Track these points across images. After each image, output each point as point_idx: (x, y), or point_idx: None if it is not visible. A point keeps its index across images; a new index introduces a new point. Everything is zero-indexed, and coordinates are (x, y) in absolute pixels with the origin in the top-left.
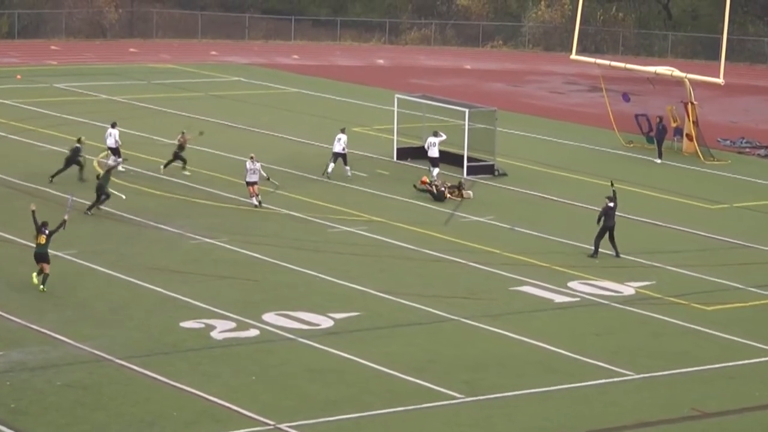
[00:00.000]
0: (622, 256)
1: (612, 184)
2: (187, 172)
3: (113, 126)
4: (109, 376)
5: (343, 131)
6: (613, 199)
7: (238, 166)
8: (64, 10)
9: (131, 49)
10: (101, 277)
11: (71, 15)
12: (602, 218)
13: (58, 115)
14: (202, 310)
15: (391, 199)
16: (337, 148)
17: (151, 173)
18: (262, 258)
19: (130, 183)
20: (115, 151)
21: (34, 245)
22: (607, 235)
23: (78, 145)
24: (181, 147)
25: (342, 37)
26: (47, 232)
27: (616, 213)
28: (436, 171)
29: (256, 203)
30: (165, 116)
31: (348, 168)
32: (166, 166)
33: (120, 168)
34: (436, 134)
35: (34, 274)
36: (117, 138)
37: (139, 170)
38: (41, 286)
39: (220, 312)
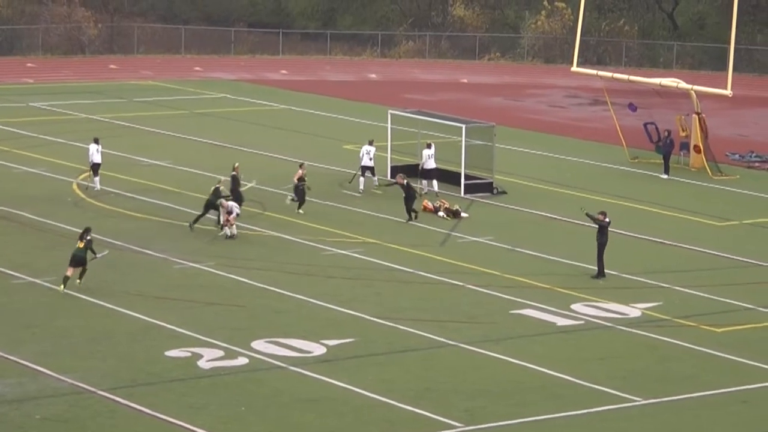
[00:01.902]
0: (626, 276)
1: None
2: (301, 211)
3: (96, 142)
4: (91, 408)
5: (371, 143)
6: (605, 215)
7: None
8: (41, 25)
9: (111, 66)
10: (81, 304)
11: (48, 30)
12: (599, 234)
13: (35, 135)
14: (188, 337)
15: (385, 219)
16: (366, 161)
17: (133, 195)
18: (250, 283)
19: (110, 205)
20: (98, 168)
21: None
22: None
23: (234, 173)
24: (301, 180)
25: (332, 50)
26: (88, 239)
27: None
28: (435, 184)
29: (225, 233)
30: (147, 135)
31: (376, 178)
32: (299, 206)
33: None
34: (429, 146)
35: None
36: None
37: (119, 192)
38: (78, 280)
39: (207, 340)
